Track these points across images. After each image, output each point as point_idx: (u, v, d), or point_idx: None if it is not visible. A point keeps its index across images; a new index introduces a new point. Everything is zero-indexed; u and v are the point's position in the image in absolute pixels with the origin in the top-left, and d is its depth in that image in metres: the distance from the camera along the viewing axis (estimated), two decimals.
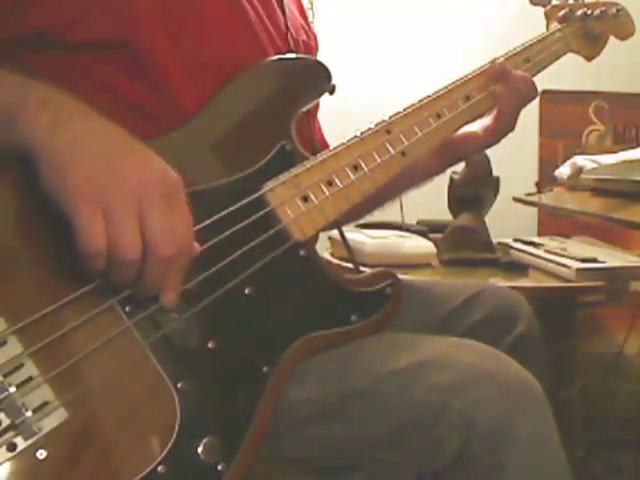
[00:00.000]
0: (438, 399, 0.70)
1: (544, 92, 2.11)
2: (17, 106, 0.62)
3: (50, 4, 0.72)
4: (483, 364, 0.73)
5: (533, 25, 1.15)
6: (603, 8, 1.15)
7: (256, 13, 0.87)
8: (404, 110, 0.89)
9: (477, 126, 1.01)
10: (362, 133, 0.85)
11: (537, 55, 1.04)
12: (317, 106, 1.01)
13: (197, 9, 0.80)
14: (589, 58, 1.15)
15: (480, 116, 0.98)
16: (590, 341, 1.86)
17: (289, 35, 0.92)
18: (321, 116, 1.05)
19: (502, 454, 0.68)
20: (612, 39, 1.19)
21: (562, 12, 1.12)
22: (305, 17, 1.05)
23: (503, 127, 1.01)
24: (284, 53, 0.89)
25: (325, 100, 0.93)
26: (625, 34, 1.18)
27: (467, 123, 0.96)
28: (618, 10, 1.16)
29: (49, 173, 0.61)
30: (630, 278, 1.49)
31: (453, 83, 0.95)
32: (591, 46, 1.14)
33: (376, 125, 0.86)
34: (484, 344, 0.78)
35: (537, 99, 2.17)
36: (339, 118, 1.21)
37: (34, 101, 0.63)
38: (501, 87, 0.98)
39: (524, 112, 1.03)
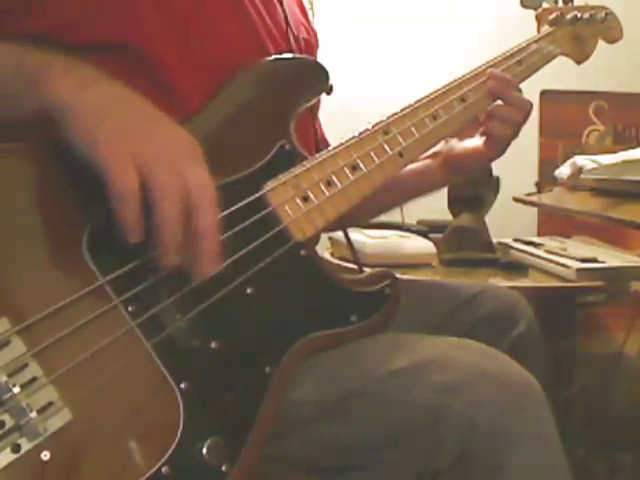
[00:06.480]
0: (438, 399, 0.71)
1: (544, 92, 2.11)
2: (41, 73, 0.63)
3: (51, 7, 0.72)
4: (483, 364, 0.73)
5: (532, 25, 1.15)
6: (592, 12, 1.15)
7: (257, 11, 0.87)
8: (401, 111, 0.89)
9: (479, 142, 1.01)
10: (360, 133, 0.85)
11: (529, 58, 1.04)
12: (318, 105, 1.01)
13: (199, 9, 0.80)
14: (579, 61, 1.15)
15: (476, 117, 0.98)
16: (590, 341, 1.86)
17: (289, 33, 0.92)
18: (322, 116, 1.05)
19: (502, 454, 0.68)
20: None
21: (553, 15, 1.12)
22: (305, 14, 1.05)
23: (502, 150, 1.00)
24: (284, 51, 0.89)
25: (325, 100, 0.93)
26: (613, 38, 1.18)
27: (463, 124, 0.96)
28: (607, 14, 1.17)
29: (78, 128, 0.60)
30: (630, 278, 1.49)
31: (448, 84, 0.96)
32: (581, 49, 1.15)
33: (374, 126, 0.86)
34: (484, 344, 0.78)
35: (537, 99, 2.17)
36: (339, 118, 1.21)
37: (58, 67, 0.63)
38: (495, 123, 0.97)
39: None
